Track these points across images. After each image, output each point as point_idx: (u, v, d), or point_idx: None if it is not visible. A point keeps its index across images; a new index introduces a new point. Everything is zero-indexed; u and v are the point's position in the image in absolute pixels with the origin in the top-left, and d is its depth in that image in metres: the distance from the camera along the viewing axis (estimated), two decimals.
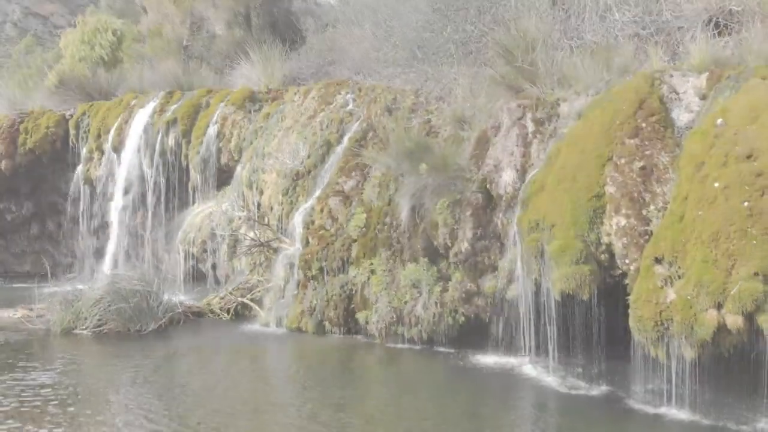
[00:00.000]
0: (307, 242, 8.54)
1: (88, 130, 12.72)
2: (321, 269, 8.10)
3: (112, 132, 11.97)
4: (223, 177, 11.30)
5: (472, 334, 6.99)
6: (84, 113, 13.08)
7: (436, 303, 6.95)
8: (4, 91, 16.15)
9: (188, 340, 7.95)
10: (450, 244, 6.97)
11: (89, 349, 7.63)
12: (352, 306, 7.74)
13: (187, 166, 11.46)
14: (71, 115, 13.32)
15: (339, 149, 9.36)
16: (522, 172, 6.65)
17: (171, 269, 12.20)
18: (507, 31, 7.71)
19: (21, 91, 16.09)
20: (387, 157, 8.29)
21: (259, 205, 10.36)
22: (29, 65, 19.80)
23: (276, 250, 9.32)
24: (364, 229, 7.77)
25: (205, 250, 10.72)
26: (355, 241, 7.84)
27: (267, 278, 9.20)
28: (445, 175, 7.12)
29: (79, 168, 12.70)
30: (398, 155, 7.70)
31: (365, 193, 8.12)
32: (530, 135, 6.82)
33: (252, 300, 9.09)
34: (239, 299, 9.17)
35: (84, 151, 12.63)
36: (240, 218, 10.20)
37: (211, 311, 9.21)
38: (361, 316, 7.56)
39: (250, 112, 11.46)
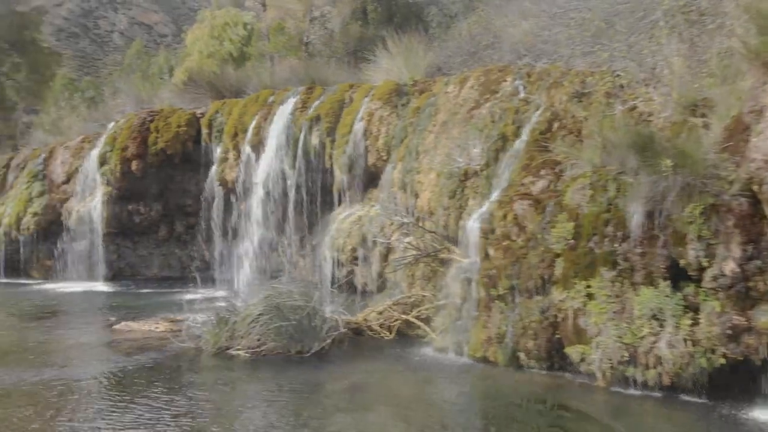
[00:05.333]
0: (487, 254, 7.19)
1: (222, 129, 12.05)
2: (511, 288, 6.72)
3: (250, 131, 11.18)
4: (370, 178, 10.23)
5: (731, 380, 5.39)
6: (217, 111, 12.44)
7: (685, 340, 5.39)
8: (129, 89, 16.01)
9: (356, 368, 6.79)
10: (706, 264, 5.39)
11: (247, 376, 6.62)
12: (558, 336, 6.31)
13: (331, 166, 10.46)
14: (203, 114, 12.74)
15: (518, 144, 7.97)
16: None
17: (305, 275, 11.32)
18: None
19: (147, 90, 15.89)
20: (591, 151, 6.84)
21: (414, 208, 9.17)
22: (149, 65, 19.89)
23: (443, 262, 8.07)
24: (572, 241, 6.31)
25: (355, 258, 9.64)
26: (558, 255, 6.40)
27: (434, 294, 7.96)
28: (693, 174, 5.56)
29: (213, 168, 12.03)
30: (620, 149, 6.21)
31: (568, 195, 6.64)
32: None
33: (418, 318, 7.86)
34: (402, 316, 7.98)
35: (218, 151, 11.96)
36: (394, 223, 9.03)
37: (370, 328, 8.08)
38: (572, 350, 6.10)
39: (396, 106, 10.33)
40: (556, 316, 6.29)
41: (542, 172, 7.31)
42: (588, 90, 7.82)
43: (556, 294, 6.31)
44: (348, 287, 10.10)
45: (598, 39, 8.27)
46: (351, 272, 10.22)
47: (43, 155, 14.46)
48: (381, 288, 9.57)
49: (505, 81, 9.11)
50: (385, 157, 10.04)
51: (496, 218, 7.26)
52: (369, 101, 10.46)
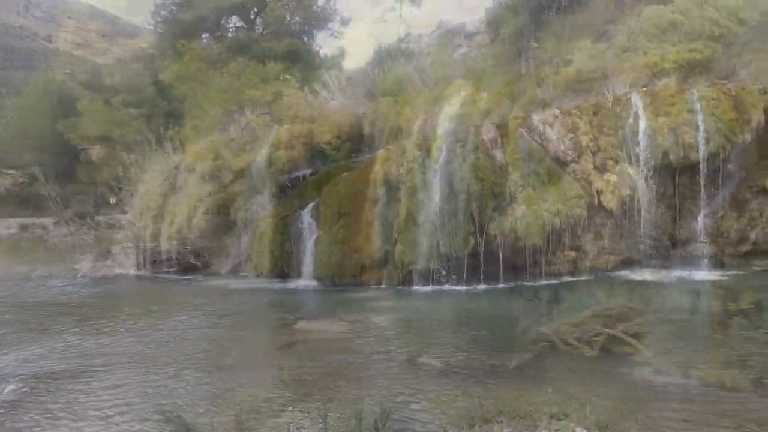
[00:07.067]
0: (721, 262, 6.18)
1: (384, 128, 11.77)
2: (756, 302, 5.67)
3: (414, 129, 10.79)
4: (551, 173, 9.39)
5: None
6: (376, 110, 12.20)
7: None
8: (292, 94, 16.28)
9: (567, 393, 5.88)
10: None
11: (445, 394, 5.97)
12: None
13: (504, 162, 9.76)
14: (364, 113, 12.56)
15: (748, 134, 6.83)
16: None
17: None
18: None
19: (307, 93, 16.07)
20: None
21: (608, 206, 8.26)
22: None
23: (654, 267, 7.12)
24: None
25: (534, 262, 8.90)
26: None
27: (643, 305, 7.03)
28: None
29: (377, 167, 11.75)
30: None
31: None
32: None
33: (626, 333, 6.96)
34: (606, 331, 7.11)
35: (382, 150, 11.68)
36: (584, 223, 8.19)
37: (565, 342, 7.29)
38: None
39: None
40: None
41: None
42: None
43: None
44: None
45: None
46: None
47: (212, 156, 15.08)
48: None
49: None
50: (570, 149, 9.19)
51: (729, 218, 6.23)
52: (548, 91, 9.67)
